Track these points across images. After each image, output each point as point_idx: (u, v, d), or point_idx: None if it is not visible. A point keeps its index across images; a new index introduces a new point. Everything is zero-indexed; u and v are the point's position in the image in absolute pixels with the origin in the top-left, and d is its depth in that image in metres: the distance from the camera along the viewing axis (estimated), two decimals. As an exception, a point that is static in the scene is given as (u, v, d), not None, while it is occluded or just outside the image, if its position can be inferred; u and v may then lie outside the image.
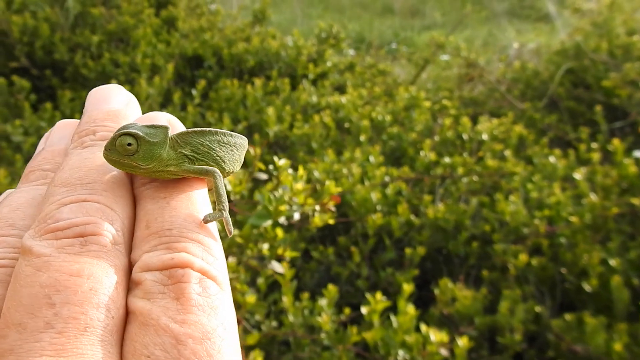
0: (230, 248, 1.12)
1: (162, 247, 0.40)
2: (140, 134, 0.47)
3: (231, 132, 0.54)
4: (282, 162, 1.09)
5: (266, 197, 1.02)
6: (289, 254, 1.12)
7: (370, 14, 9.42)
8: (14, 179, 2.47)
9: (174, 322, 0.36)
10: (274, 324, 1.52)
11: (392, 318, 1.31)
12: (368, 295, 1.33)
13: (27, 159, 2.68)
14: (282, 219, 1.05)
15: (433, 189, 2.33)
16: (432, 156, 2.44)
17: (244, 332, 1.27)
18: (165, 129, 0.48)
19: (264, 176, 1.18)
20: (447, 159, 2.27)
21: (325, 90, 3.09)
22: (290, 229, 1.73)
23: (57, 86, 3.41)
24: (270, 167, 1.12)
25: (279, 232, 1.08)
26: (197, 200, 0.45)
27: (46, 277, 0.36)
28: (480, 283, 2.02)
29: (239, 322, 1.14)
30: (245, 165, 2.21)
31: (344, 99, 2.69)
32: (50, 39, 3.49)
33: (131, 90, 2.89)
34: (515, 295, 1.71)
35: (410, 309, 1.29)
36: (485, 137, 2.56)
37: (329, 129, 2.51)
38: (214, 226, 0.43)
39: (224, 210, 0.46)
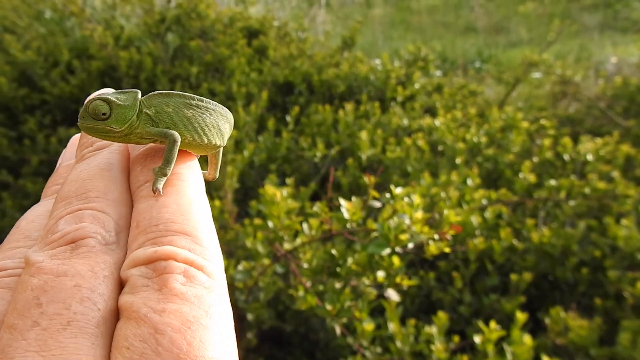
0: (348, 275, 1.14)
1: (149, 243, 0.40)
2: (111, 98, 0.48)
3: (203, 98, 0.52)
4: (398, 190, 1.10)
5: (385, 226, 1.03)
6: (406, 283, 1.12)
7: (452, 33, 9.31)
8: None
9: (153, 312, 0.36)
10: (379, 349, 1.51)
11: (506, 347, 1.26)
12: (481, 324, 1.30)
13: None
14: (397, 248, 1.05)
15: (535, 212, 2.24)
16: (531, 178, 2.35)
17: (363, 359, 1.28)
18: (135, 93, 0.50)
19: (377, 204, 1.19)
20: (552, 182, 2.18)
21: (415, 113, 3.08)
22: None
23: (159, 115, 3.63)
24: (387, 195, 1.13)
25: (396, 261, 1.08)
26: (186, 193, 0.45)
27: (36, 281, 0.38)
28: (592, 312, 1.90)
29: (356, 352, 1.15)
30: (359, 193, 2.24)
31: (437, 122, 2.66)
32: (152, 71, 3.73)
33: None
34: (636, 327, 1.60)
35: (527, 339, 1.24)
36: (590, 157, 2.43)
37: (423, 152, 2.49)
38: (205, 217, 0.43)
39: (162, 174, 0.45)
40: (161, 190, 0.44)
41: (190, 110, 0.50)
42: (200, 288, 0.38)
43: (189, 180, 0.47)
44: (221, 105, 0.53)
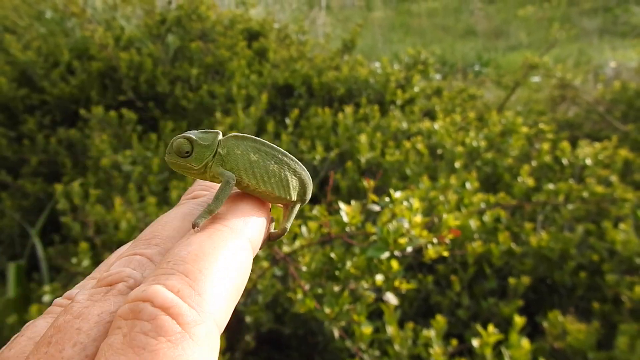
0: (347, 278, 1.14)
1: (151, 279, 0.38)
2: (194, 137, 0.51)
3: (276, 147, 0.52)
4: (397, 194, 1.10)
5: (384, 230, 1.03)
6: (405, 286, 1.12)
7: (451, 37, 9.33)
8: (126, 208, 2.63)
9: None
10: (377, 353, 1.51)
11: (504, 351, 1.27)
12: (479, 328, 1.30)
13: (138, 186, 2.86)
14: (396, 251, 1.06)
15: (533, 216, 2.25)
16: (530, 182, 2.36)
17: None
18: (215, 133, 0.52)
19: (376, 208, 1.20)
20: (550, 186, 2.18)
21: (414, 117, 3.08)
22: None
23: (159, 117, 3.64)
24: (387, 199, 1.14)
25: (394, 264, 1.09)
26: (217, 238, 0.42)
27: (60, 319, 0.37)
28: (590, 315, 1.91)
29: (354, 355, 1.15)
30: (359, 196, 2.25)
31: (436, 125, 2.67)
32: (153, 73, 3.74)
33: (230, 122, 3.03)
34: (634, 330, 1.61)
35: (525, 343, 1.25)
36: (588, 162, 2.44)
37: (422, 155, 2.49)
38: (224, 266, 0.40)
39: (208, 211, 0.45)
40: (199, 226, 0.44)
41: (256, 155, 0.51)
42: (162, 341, 0.34)
43: (233, 228, 0.45)
44: (296, 160, 0.53)
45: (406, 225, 1.04)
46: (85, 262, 2.07)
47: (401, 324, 1.56)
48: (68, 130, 3.52)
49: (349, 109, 2.88)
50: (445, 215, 1.11)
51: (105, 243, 2.33)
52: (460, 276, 1.91)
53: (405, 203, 1.11)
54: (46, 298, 1.94)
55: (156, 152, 3.03)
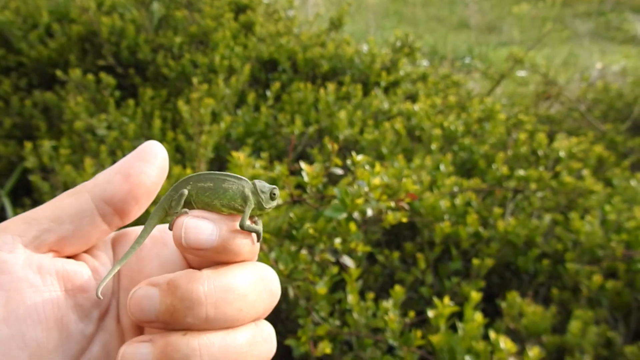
0: (304, 240, 1.14)
1: None
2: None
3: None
4: (359, 157, 1.10)
5: (343, 190, 1.03)
6: (361, 248, 1.12)
7: (445, 28, 9.32)
8: (97, 170, 2.60)
9: None
10: (337, 322, 1.52)
11: (459, 324, 1.28)
12: (435, 299, 1.31)
13: (111, 151, 2.83)
14: (355, 214, 1.05)
15: (504, 202, 2.26)
16: (504, 170, 2.37)
17: (313, 324, 1.29)
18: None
19: (339, 171, 1.19)
20: (521, 172, 2.20)
21: (397, 98, 3.08)
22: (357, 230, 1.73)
23: (139, 84, 3.58)
24: (348, 162, 1.13)
25: (352, 227, 1.08)
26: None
27: None
28: (549, 302, 1.94)
29: (308, 313, 1.15)
30: (313, 157, 2.24)
31: (416, 107, 2.67)
32: (135, 40, 3.67)
33: (208, 90, 3.00)
34: (587, 317, 1.63)
35: (478, 317, 1.26)
36: (562, 154, 2.46)
37: (400, 135, 2.49)
38: None
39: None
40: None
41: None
42: None
43: None
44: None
45: (365, 187, 1.03)
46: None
47: (363, 296, 1.56)
48: (44, 93, 3.45)
49: (331, 86, 2.87)
50: (404, 180, 1.10)
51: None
52: (427, 255, 1.92)
53: (367, 167, 1.10)
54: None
55: (133, 119, 2.99)
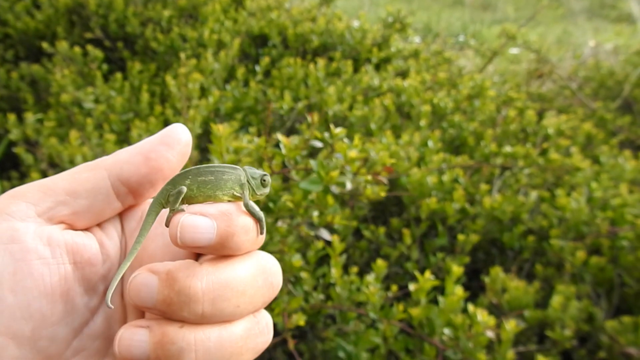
0: (280, 212, 1.14)
1: None
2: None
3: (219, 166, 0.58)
4: (338, 129, 1.09)
5: (319, 163, 1.02)
6: (337, 222, 1.12)
7: (439, 5, 9.23)
8: (83, 142, 2.58)
9: None
10: (321, 297, 1.53)
11: (440, 298, 1.29)
12: (416, 273, 1.32)
13: (97, 124, 2.80)
14: (333, 188, 1.05)
15: (491, 179, 2.27)
16: (492, 147, 2.37)
17: (287, 295, 1.29)
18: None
19: (318, 144, 1.18)
20: (508, 148, 2.20)
21: (387, 75, 3.05)
22: (344, 206, 1.73)
23: (128, 58, 3.53)
24: (327, 135, 1.12)
25: (329, 200, 1.08)
26: None
27: None
28: (533, 278, 1.96)
29: (284, 283, 1.16)
30: (302, 132, 2.22)
31: (406, 83, 2.65)
32: (123, 13, 3.61)
33: (197, 65, 2.96)
34: (570, 292, 1.65)
35: (459, 291, 1.27)
36: (551, 131, 2.46)
37: (389, 111, 2.48)
38: None
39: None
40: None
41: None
42: None
43: None
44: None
45: (341, 159, 1.03)
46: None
47: (347, 270, 1.57)
48: (31, 66, 3.40)
49: (321, 62, 2.84)
50: (381, 153, 1.10)
51: (59, 177, 2.28)
52: (413, 230, 1.92)
53: (345, 140, 1.10)
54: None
55: (121, 92, 2.95)
